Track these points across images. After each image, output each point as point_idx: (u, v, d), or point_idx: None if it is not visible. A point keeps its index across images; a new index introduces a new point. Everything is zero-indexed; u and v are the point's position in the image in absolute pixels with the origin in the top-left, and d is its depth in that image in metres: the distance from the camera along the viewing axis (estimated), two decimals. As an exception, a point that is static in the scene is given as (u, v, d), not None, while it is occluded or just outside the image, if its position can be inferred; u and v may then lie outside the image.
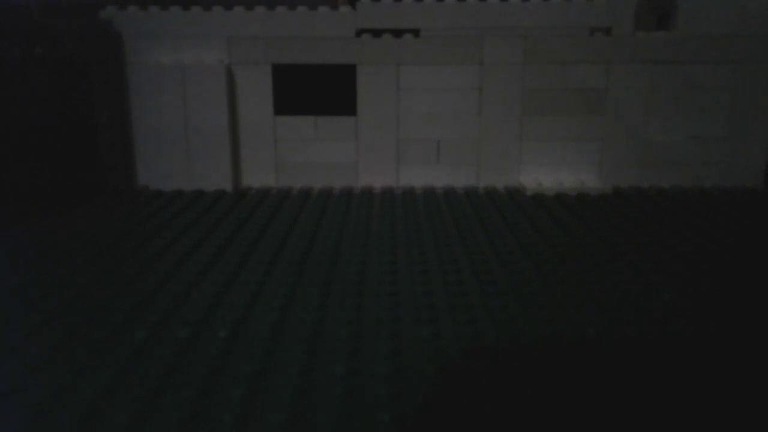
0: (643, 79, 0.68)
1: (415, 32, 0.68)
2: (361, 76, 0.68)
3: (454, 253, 0.48)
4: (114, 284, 0.43)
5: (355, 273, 0.45)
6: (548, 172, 0.70)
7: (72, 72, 0.64)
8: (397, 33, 0.68)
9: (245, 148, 0.70)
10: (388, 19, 0.67)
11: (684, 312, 0.38)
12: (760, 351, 0.34)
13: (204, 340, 0.35)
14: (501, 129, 0.69)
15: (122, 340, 0.35)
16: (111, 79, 0.66)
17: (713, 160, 0.70)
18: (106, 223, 0.57)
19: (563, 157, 0.70)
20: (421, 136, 0.70)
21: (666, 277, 0.44)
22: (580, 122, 0.69)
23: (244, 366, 0.32)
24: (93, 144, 0.66)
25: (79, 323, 0.37)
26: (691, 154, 0.70)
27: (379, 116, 0.69)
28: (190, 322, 0.37)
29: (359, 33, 0.68)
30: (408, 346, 0.34)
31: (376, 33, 0.68)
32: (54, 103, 0.63)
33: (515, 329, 0.36)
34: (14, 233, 0.54)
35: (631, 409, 0.29)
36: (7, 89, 0.58)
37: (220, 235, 0.53)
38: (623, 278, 0.44)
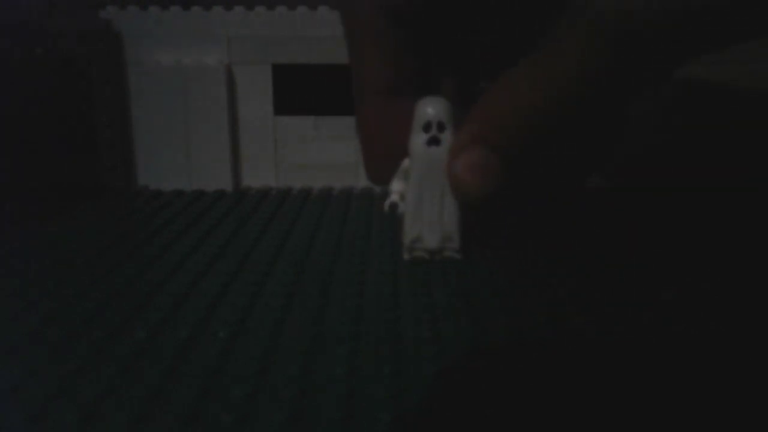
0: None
1: (415, 32, 0.68)
2: (361, 76, 0.68)
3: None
4: (114, 284, 0.43)
5: (355, 273, 0.45)
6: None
7: (72, 72, 0.64)
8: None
9: (245, 148, 0.70)
10: (388, 19, 0.67)
11: (684, 312, 0.38)
12: (762, 351, 0.34)
13: (204, 340, 0.35)
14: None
15: (122, 340, 0.35)
16: (111, 79, 0.66)
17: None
18: (106, 223, 0.57)
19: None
20: (421, 136, 0.69)
21: (666, 277, 0.44)
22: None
23: (244, 366, 0.32)
24: (93, 144, 0.66)
25: (79, 323, 0.37)
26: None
27: (379, 116, 0.69)
28: (190, 322, 0.37)
29: (359, 33, 0.68)
30: (408, 347, 0.34)
31: (376, 33, 0.68)
32: (54, 103, 0.63)
33: (515, 329, 0.36)
34: (14, 233, 0.54)
35: (631, 409, 0.29)
36: (7, 89, 0.58)
37: (220, 235, 0.53)
38: (623, 278, 0.44)
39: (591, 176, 0.52)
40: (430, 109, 0.44)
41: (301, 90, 0.69)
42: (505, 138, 0.41)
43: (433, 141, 0.44)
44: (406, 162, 0.46)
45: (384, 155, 0.48)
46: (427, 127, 0.44)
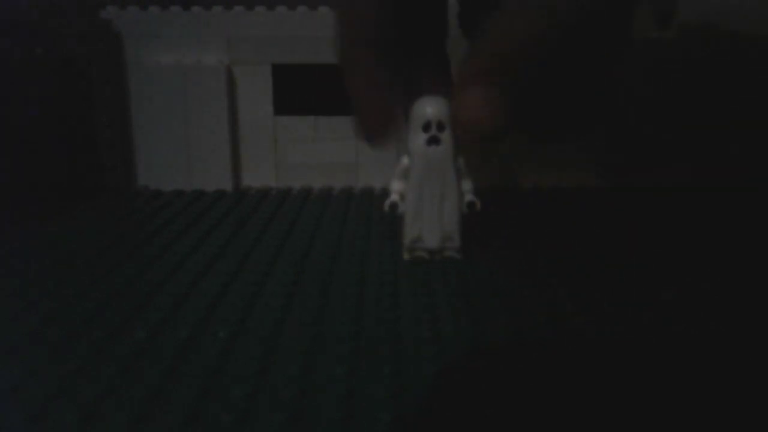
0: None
1: (415, 32, 0.68)
2: (361, 76, 0.68)
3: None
4: (114, 284, 0.43)
5: (355, 273, 0.45)
6: (547, 172, 0.70)
7: (72, 72, 0.64)
8: (397, 33, 0.68)
9: (245, 148, 0.70)
10: (388, 19, 0.67)
11: (684, 312, 0.38)
12: (762, 351, 0.34)
13: (204, 340, 0.35)
14: (501, 129, 0.69)
15: (122, 340, 0.35)
16: (111, 79, 0.66)
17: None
18: (106, 223, 0.57)
19: (563, 156, 0.70)
20: (421, 136, 0.69)
21: (666, 277, 0.44)
22: (580, 122, 0.69)
23: (244, 366, 0.32)
24: (93, 144, 0.66)
25: (79, 323, 0.37)
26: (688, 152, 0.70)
27: (379, 116, 0.69)
28: (190, 322, 0.37)
29: (359, 33, 0.67)
30: (408, 347, 0.34)
31: (376, 33, 0.68)
32: (54, 103, 0.63)
33: (515, 329, 0.36)
34: (14, 233, 0.54)
35: (631, 409, 0.29)
36: (7, 89, 0.58)
37: (220, 235, 0.53)
38: (623, 278, 0.44)
39: (586, 130, 0.51)
40: (430, 108, 0.44)
41: (301, 90, 0.69)
42: (507, 69, 0.41)
43: (433, 140, 0.44)
44: (405, 162, 0.46)
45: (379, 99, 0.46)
46: (426, 127, 0.44)
